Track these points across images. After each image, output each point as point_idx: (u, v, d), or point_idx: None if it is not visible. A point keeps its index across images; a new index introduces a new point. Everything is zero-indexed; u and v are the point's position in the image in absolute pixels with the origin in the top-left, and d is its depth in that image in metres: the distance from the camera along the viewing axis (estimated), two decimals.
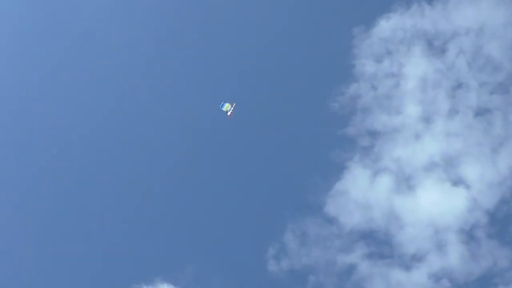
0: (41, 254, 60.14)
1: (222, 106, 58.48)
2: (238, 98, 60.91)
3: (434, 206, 56.64)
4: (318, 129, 61.69)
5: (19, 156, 64.89)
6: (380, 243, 56.61)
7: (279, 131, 62.40)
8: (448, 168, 57.84)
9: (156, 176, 62.31)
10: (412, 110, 60.47)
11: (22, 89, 68.02)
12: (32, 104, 67.32)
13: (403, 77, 61.92)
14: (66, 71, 68.29)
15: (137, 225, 60.42)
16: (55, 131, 65.55)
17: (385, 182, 58.37)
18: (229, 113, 58.26)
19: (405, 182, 58.26)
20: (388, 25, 63.65)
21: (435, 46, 62.27)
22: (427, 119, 59.98)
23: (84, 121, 65.82)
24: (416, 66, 61.72)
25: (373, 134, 60.43)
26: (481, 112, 59.02)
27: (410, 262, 55.73)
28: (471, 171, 57.11)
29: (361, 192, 58.35)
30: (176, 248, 59.39)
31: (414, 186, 58.00)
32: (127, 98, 66.28)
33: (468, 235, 55.36)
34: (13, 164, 64.60)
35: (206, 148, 62.79)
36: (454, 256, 54.99)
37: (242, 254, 58.18)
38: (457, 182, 57.27)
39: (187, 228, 60.15)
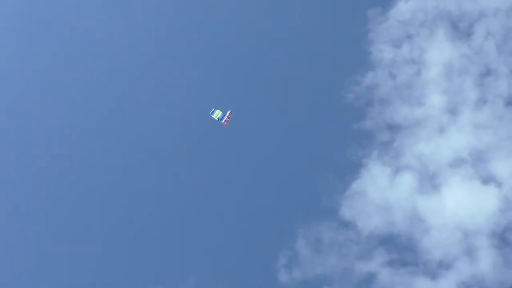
0: (40, 260, 59.40)
1: (212, 113, 57.61)
2: (247, 90, 62.12)
3: (462, 207, 55.78)
4: (332, 123, 61.24)
5: (19, 156, 64.05)
6: (402, 249, 55.66)
7: (289, 125, 62.03)
8: (476, 164, 57.03)
9: (158, 179, 61.46)
10: (435, 100, 59.80)
11: (22, 89, 67.51)
12: (32, 104, 66.66)
13: (425, 64, 61.47)
14: (62, 72, 67.59)
15: (137, 232, 59.55)
16: (55, 132, 64.73)
17: (407, 181, 57.46)
18: (223, 121, 57.51)
19: (429, 181, 57.35)
20: (407, 6, 63.39)
21: (460, 28, 62.00)
22: (452, 110, 59.33)
23: (81, 123, 65.11)
24: (440, 52, 61.32)
25: (393, 128, 59.81)
26: None
27: (436, 269, 54.70)
28: (502, 167, 56.23)
29: (380, 193, 57.52)
30: (177, 256, 58.39)
31: (439, 185, 57.10)
32: (127, 98, 65.56)
33: (501, 239, 54.48)
34: (13, 164, 63.67)
35: (211, 146, 62.04)
36: (486, 262, 53.93)
37: (249, 262, 57.11)
38: (487, 179, 56.43)
39: (190, 234, 59.05)
